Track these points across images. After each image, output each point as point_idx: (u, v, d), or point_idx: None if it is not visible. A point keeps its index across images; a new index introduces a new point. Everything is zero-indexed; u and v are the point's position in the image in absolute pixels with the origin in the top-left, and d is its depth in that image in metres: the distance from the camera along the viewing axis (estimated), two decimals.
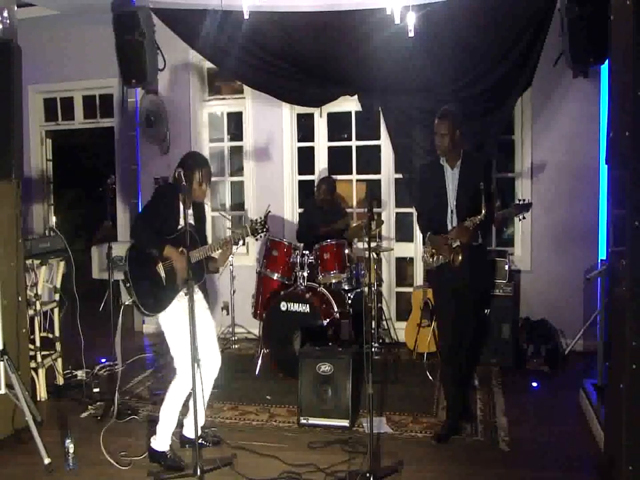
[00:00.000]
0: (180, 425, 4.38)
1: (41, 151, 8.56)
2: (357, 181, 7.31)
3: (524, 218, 5.36)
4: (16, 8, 4.82)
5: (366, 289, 4.39)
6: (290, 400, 5.17)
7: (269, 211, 4.45)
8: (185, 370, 4.12)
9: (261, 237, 4.39)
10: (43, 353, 5.40)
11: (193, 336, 3.80)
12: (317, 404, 4.78)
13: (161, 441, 4.21)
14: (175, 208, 4.17)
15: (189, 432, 4.38)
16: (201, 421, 4.23)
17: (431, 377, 5.66)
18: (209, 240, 4.71)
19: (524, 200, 5.20)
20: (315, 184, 6.88)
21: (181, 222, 4.17)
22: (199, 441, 3.96)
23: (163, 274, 4.14)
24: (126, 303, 4.88)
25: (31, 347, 5.21)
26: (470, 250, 4.37)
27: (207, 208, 4.61)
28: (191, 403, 4.26)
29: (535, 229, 6.63)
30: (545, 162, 6.57)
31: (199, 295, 4.32)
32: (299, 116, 7.32)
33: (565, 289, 6.51)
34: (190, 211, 4.22)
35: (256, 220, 4.32)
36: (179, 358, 4.17)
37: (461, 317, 4.53)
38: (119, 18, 6.39)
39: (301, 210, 7.25)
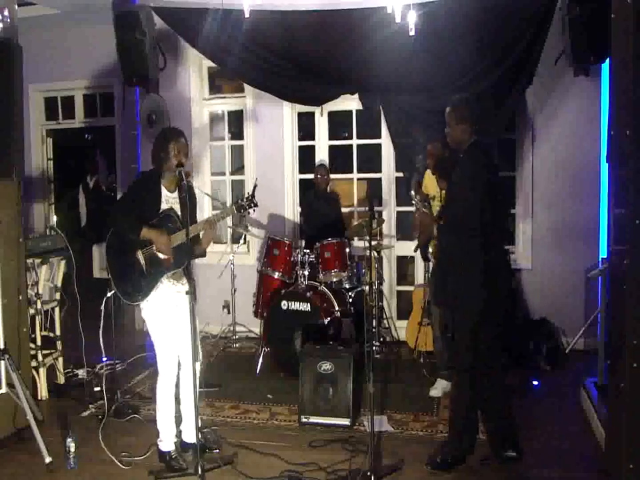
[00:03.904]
0: (178, 433, 4.36)
1: (42, 150, 8.58)
2: (358, 179, 7.32)
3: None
4: (17, 7, 4.82)
5: (367, 288, 4.37)
6: (291, 399, 5.18)
7: (256, 185, 4.25)
8: (164, 365, 4.12)
9: (248, 212, 4.21)
10: (43, 351, 5.40)
11: (194, 335, 3.80)
12: (317, 403, 4.78)
13: (164, 442, 4.21)
14: (155, 193, 4.08)
15: (187, 437, 4.36)
16: (191, 424, 4.21)
17: (428, 376, 5.64)
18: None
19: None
20: (314, 173, 6.90)
21: (163, 206, 4.08)
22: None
23: (142, 261, 4.05)
24: (107, 295, 4.83)
25: (32, 345, 5.21)
26: (442, 251, 4.04)
27: (197, 192, 4.46)
28: (181, 408, 4.30)
29: (536, 227, 6.63)
30: (546, 160, 6.57)
31: (185, 287, 4.09)
32: (300, 114, 7.31)
33: (566, 287, 6.51)
34: (175, 195, 4.12)
35: (242, 196, 4.16)
36: (158, 352, 4.14)
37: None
38: (120, 17, 6.39)
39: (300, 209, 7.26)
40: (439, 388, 5.37)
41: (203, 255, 4.33)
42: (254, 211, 4.26)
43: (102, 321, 4.92)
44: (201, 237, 4.18)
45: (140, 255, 4.06)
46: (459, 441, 4.14)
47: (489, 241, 3.93)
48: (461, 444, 4.14)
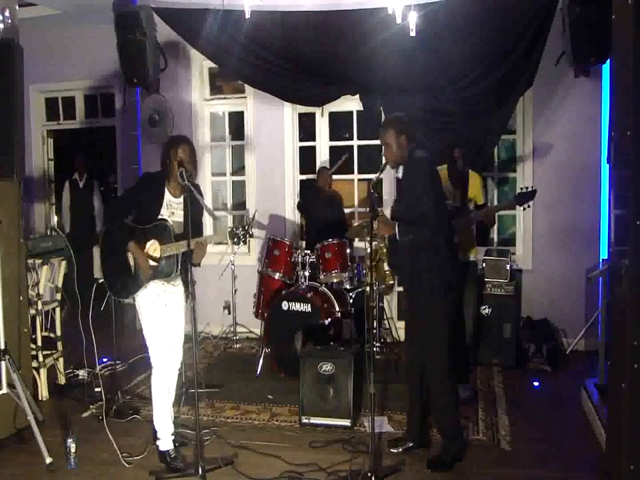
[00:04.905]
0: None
1: (43, 150, 8.59)
2: (359, 180, 7.32)
3: (528, 207, 5.31)
4: (17, 7, 4.82)
5: (367, 288, 4.37)
6: (291, 399, 5.17)
7: (254, 218, 4.36)
8: (156, 361, 4.15)
9: (243, 241, 4.27)
10: (44, 352, 5.40)
11: (195, 334, 3.81)
12: (318, 403, 4.78)
13: (162, 440, 4.22)
14: (158, 194, 4.12)
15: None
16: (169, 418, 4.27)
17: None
18: (207, 231, 4.62)
19: (527, 187, 5.16)
20: (317, 175, 6.88)
21: (162, 212, 4.11)
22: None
23: (132, 262, 4.11)
24: (100, 280, 4.82)
25: (33, 346, 5.21)
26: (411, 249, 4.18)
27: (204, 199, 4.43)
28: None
29: (537, 228, 6.62)
30: (547, 161, 6.57)
31: (177, 288, 4.25)
32: (301, 115, 7.32)
33: (567, 288, 6.51)
34: (180, 200, 4.15)
35: (239, 226, 4.23)
36: (150, 346, 4.17)
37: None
38: (121, 17, 6.39)
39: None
40: None
41: (197, 266, 4.34)
42: (249, 240, 4.29)
43: (91, 310, 4.87)
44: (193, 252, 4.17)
45: (131, 257, 4.11)
46: (456, 440, 4.18)
47: (446, 240, 4.16)
48: (457, 442, 4.18)
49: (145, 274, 4.06)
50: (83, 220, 8.40)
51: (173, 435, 4.26)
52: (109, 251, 4.20)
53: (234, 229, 4.20)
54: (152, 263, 4.07)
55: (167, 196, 4.14)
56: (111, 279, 4.20)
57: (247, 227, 4.22)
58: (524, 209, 5.42)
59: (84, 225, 8.36)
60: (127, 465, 4.20)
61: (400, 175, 4.28)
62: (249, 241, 7.36)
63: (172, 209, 4.14)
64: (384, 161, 4.32)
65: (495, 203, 6.85)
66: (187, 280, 4.06)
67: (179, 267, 4.08)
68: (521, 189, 5.26)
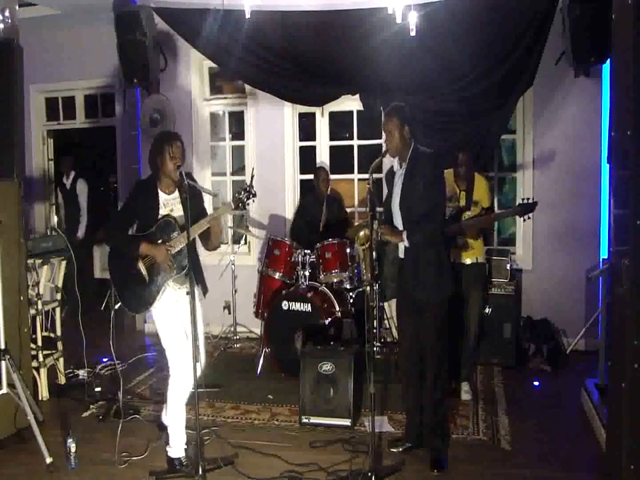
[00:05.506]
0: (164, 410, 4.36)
1: (43, 150, 8.58)
2: (359, 180, 7.32)
3: (529, 218, 5.31)
4: (17, 7, 4.82)
5: (367, 288, 4.37)
6: (291, 399, 5.18)
7: (253, 175, 4.32)
8: (174, 365, 4.12)
9: (248, 204, 4.22)
10: (44, 352, 5.40)
11: (194, 336, 3.80)
12: (318, 403, 4.78)
13: (174, 448, 4.16)
14: (152, 199, 4.10)
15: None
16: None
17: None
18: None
19: (528, 199, 5.16)
20: (314, 176, 6.84)
21: (162, 211, 4.09)
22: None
23: (144, 272, 4.07)
24: (116, 307, 4.80)
25: (33, 346, 5.21)
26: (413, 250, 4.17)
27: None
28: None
29: (537, 228, 6.62)
30: (547, 161, 6.57)
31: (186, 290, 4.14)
32: (301, 115, 7.32)
33: (567, 288, 6.51)
34: (174, 195, 4.13)
35: (240, 190, 4.15)
36: (168, 353, 4.15)
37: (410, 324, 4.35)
38: (121, 17, 6.40)
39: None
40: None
41: (217, 247, 4.35)
42: (253, 201, 4.27)
43: (111, 328, 4.72)
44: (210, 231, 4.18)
45: (141, 266, 4.08)
46: (445, 436, 4.28)
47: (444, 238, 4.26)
48: (447, 440, 4.28)
49: (166, 263, 4.02)
50: (74, 220, 8.32)
51: (185, 444, 4.19)
52: (118, 268, 4.16)
53: (236, 194, 4.15)
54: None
55: (162, 196, 4.13)
56: (126, 294, 4.15)
57: (248, 188, 4.14)
58: (524, 220, 5.40)
59: (76, 225, 8.30)
60: (127, 465, 4.20)
61: (396, 167, 4.25)
62: (249, 241, 7.37)
63: (169, 207, 4.13)
64: (384, 148, 4.26)
65: (495, 202, 6.84)
66: (195, 277, 4.06)
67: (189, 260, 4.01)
68: (522, 200, 5.24)
